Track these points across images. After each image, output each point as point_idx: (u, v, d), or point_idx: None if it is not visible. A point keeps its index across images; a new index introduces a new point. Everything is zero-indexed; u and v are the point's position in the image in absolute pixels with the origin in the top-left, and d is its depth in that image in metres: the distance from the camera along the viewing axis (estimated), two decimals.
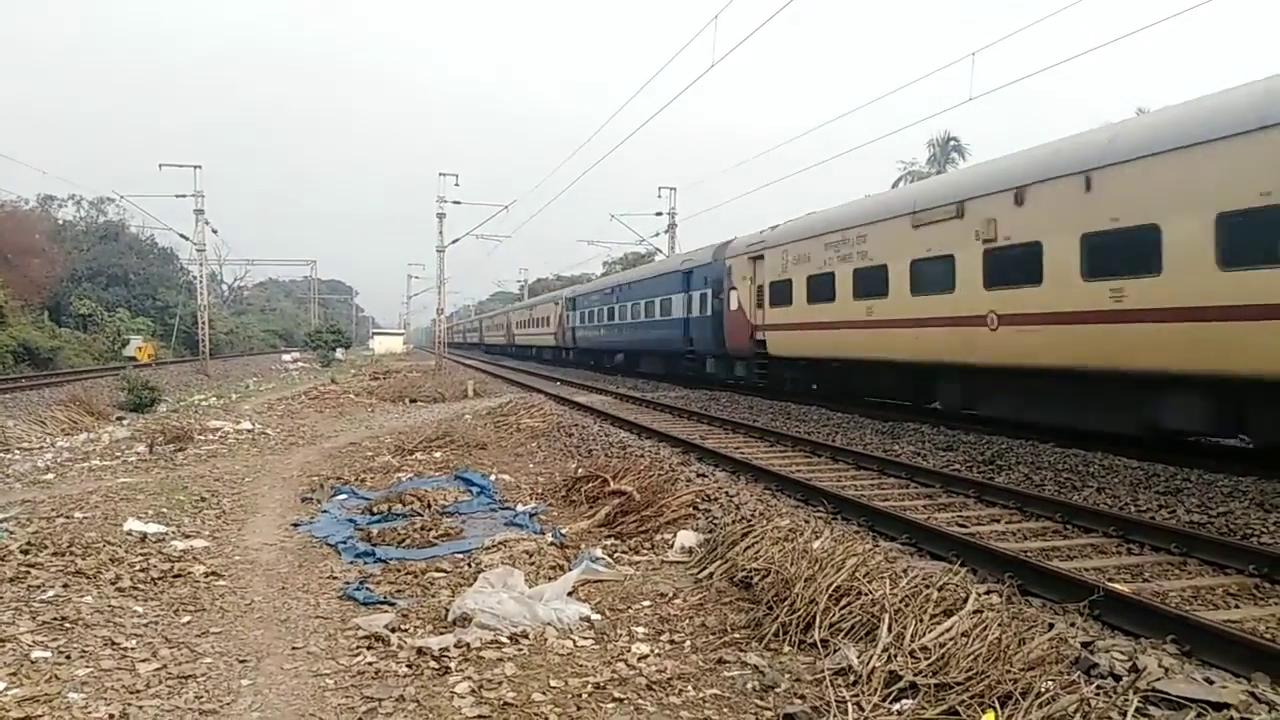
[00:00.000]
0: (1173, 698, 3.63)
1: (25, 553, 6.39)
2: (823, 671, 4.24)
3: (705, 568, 6.27)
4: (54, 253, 52.58)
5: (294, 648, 4.89)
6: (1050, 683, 3.74)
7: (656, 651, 4.77)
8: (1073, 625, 4.86)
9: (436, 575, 6.37)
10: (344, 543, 7.38)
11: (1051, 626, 4.49)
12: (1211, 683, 3.85)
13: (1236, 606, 5.65)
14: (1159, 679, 3.82)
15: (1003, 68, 16.37)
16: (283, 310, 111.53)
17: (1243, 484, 9.10)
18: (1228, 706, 3.53)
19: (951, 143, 48.09)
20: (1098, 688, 3.74)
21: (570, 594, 5.67)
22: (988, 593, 5.05)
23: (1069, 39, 18.10)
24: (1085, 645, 4.31)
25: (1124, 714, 3.46)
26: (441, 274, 43.52)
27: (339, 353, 58.40)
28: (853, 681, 4.09)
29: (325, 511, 8.79)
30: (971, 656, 4.01)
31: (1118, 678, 3.90)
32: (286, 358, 57.00)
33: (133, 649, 4.75)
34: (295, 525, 8.19)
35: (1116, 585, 5.73)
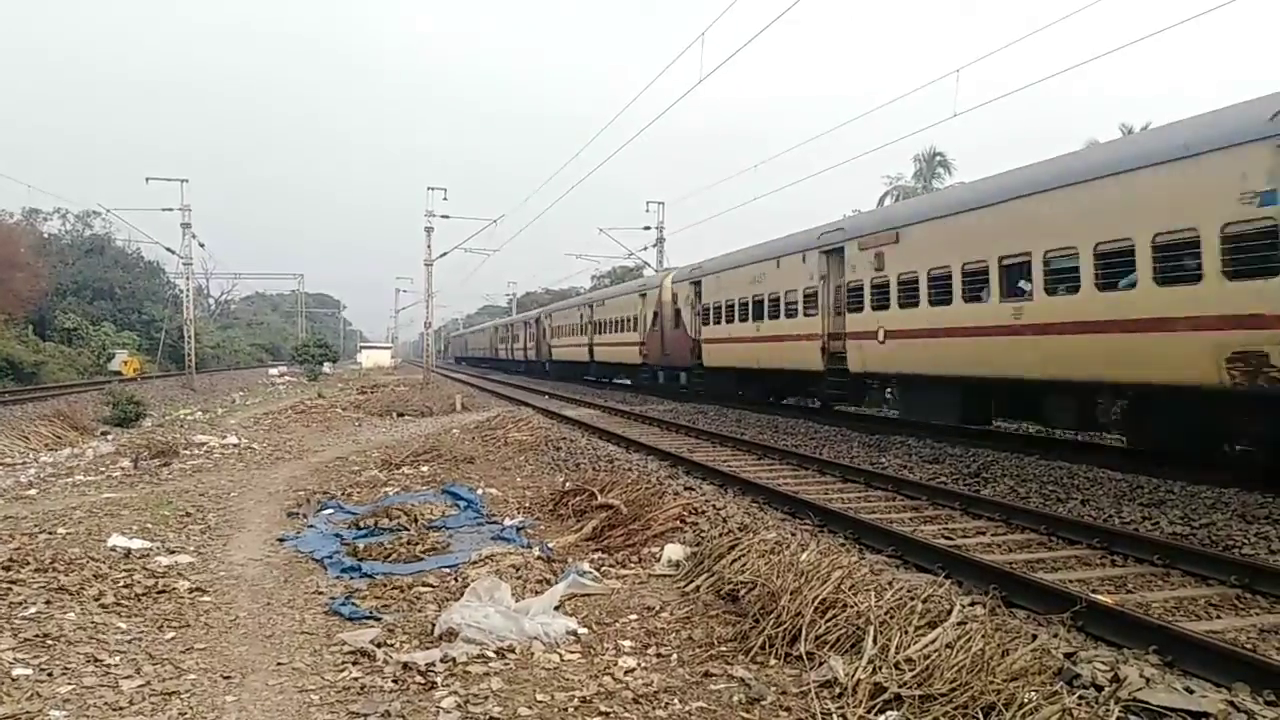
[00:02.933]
0: (1153, 707, 3.67)
1: (7, 569, 6.34)
2: (808, 684, 4.26)
3: (692, 581, 6.28)
4: (39, 266, 52.08)
5: (279, 663, 4.86)
6: (1033, 693, 3.76)
7: (643, 665, 4.77)
8: (1056, 636, 4.89)
9: (423, 590, 6.35)
10: (330, 557, 7.35)
11: (1035, 638, 4.52)
12: (1192, 692, 3.89)
13: (1218, 617, 5.70)
14: (1140, 689, 3.86)
15: (987, 84, 16.55)
16: (269, 324, 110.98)
17: (1225, 495, 9.19)
18: (1207, 716, 3.57)
19: (938, 157, 48.45)
20: (1080, 698, 3.77)
21: (557, 608, 5.67)
22: (972, 604, 5.09)
23: (1052, 56, 18.34)
24: (1068, 656, 4.34)
25: None
26: (429, 287, 43.47)
27: (326, 367, 58.18)
28: (838, 694, 4.11)
29: (311, 526, 8.75)
30: (956, 668, 4.04)
31: (1099, 688, 3.93)
32: (273, 372, 56.70)
33: (116, 666, 4.71)
34: (281, 540, 8.15)
35: (1100, 596, 5.77)
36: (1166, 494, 9.44)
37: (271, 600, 6.20)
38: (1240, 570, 6.34)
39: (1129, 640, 4.92)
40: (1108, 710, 3.62)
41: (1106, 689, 3.90)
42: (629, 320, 32.77)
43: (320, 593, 6.38)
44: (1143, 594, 6.19)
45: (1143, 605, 5.79)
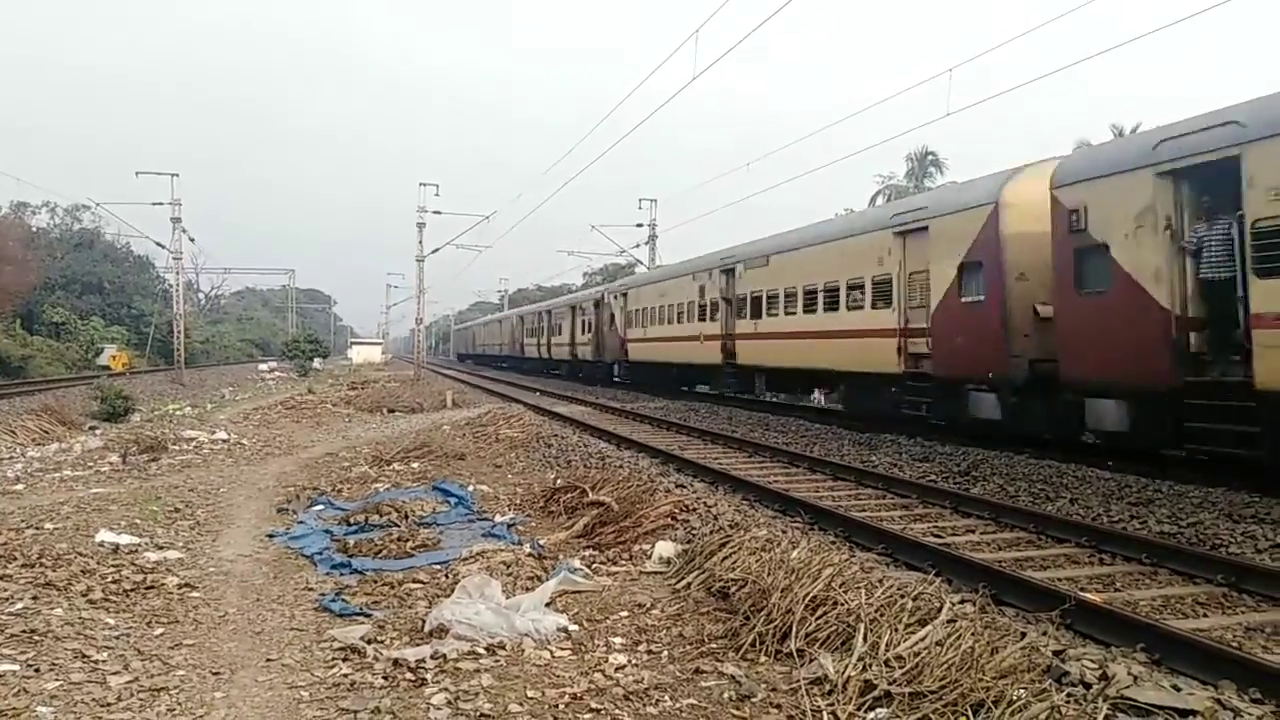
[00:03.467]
0: (1141, 705, 3.69)
1: None
2: (799, 681, 4.27)
3: (683, 578, 6.28)
4: (27, 260, 51.66)
5: (268, 660, 4.85)
6: (1022, 691, 3.78)
7: (634, 662, 4.77)
8: (1045, 634, 4.91)
9: (413, 586, 6.34)
10: (320, 554, 7.33)
11: (1024, 635, 4.54)
12: (1179, 690, 3.92)
13: (1205, 615, 5.73)
14: (1128, 687, 3.88)
15: (981, 84, 16.60)
16: (259, 319, 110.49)
17: (1213, 495, 9.24)
18: (1194, 713, 3.60)
19: (929, 157, 48.59)
20: (1068, 695, 3.79)
21: (548, 605, 5.66)
22: (962, 602, 5.10)
23: (1045, 57, 18.40)
24: (1057, 654, 4.37)
25: None
26: (421, 283, 43.41)
27: (316, 362, 57.92)
28: (828, 691, 4.12)
29: (301, 522, 8.72)
30: (945, 665, 4.05)
31: (1088, 685, 3.96)
32: (263, 367, 56.46)
33: (104, 662, 4.69)
34: (271, 536, 8.12)
35: (1088, 595, 5.80)
36: (1154, 493, 9.50)
37: (261, 596, 6.18)
38: (1227, 569, 6.38)
39: (1117, 638, 4.95)
40: (1096, 708, 3.65)
41: (1095, 687, 3.92)
42: (859, 287, 16.37)
43: (310, 589, 6.36)
44: (1131, 592, 6.22)
45: (1131, 604, 5.82)
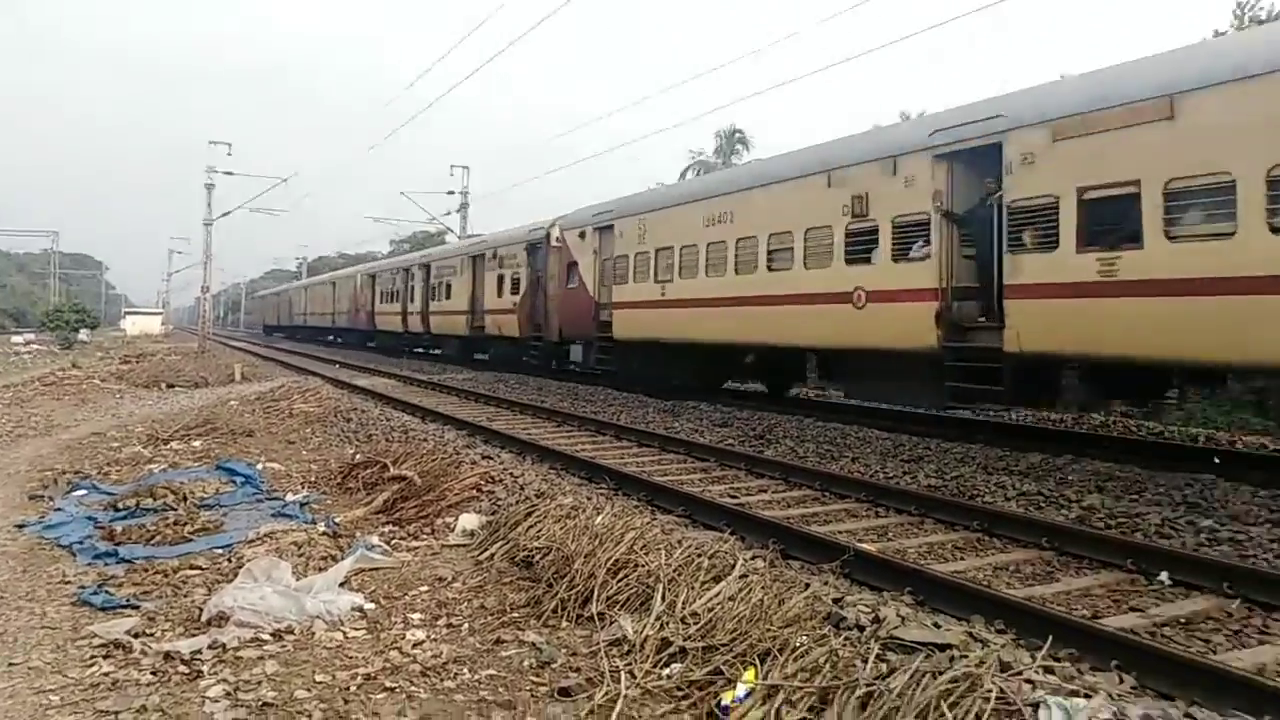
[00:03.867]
0: (907, 643, 4.02)
1: None
2: (598, 644, 4.33)
3: (486, 549, 6.21)
4: None
5: (11, 664, 4.32)
6: (805, 638, 4.03)
7: (432, 637, 4.66)
8: (826, 584, 5.24)
9: (191, 573, 5.87)
10: (80, 543, 6.63)
11: (808, 586, 4.83)
12: (939, 627, 4.31)
13: (962, 559, 6.35)
14: (897, 627, 4.22)
15: (786, 66, 17.30)
16: (14, 287, 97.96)
17: (972, 451, 10.28)
18: (950, 646, 3.97)
19: (737, 134, 50.31)
20: (845, 639, 4.07)
21: (342, 584, 5.43)
22: (754, 558, 5.35)
23: (846, 42, 19.44)
24: (836, 601, 4.67)
25: (865, 660, 3.79)
26: (209, 249, 40.10)
27: (83, 334, 52.17)
28: (627, 651, 4.21)
29: (58, 509, 7.84)
30: (737, 618, 4.25)
31: (862, 629, 4.26)
32: (18, 340, 50.15)
33: None
34: (20, 526, 7.25)
35: (864, 545, 6.26)
36: (924, 451, 10.42)
37: (6, 594, 5.49)
38: (982, 516, 7.10)
39: (888, 584, 5.38)
40: (869, 648, 3.93)
41: (868, 629, 4.23)
42: None
43: (67, 582, 5.73)
44: (901, 541, 6.78)
45: (900, 552, 6.35)
